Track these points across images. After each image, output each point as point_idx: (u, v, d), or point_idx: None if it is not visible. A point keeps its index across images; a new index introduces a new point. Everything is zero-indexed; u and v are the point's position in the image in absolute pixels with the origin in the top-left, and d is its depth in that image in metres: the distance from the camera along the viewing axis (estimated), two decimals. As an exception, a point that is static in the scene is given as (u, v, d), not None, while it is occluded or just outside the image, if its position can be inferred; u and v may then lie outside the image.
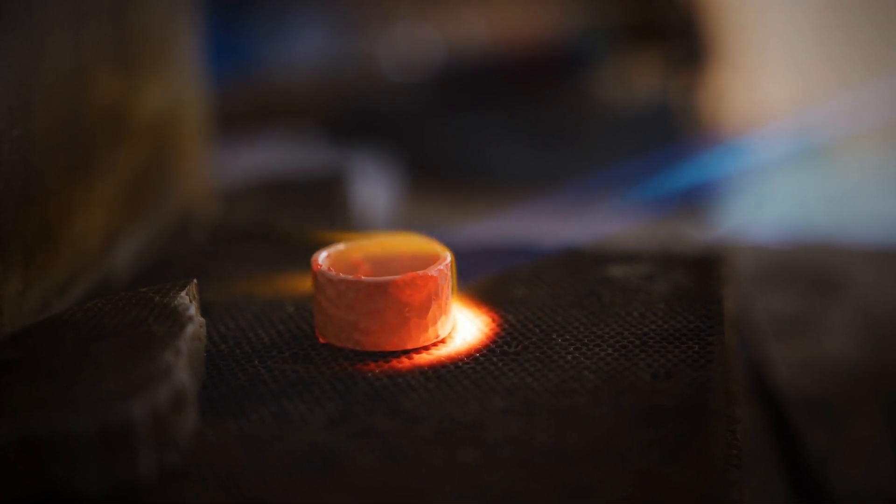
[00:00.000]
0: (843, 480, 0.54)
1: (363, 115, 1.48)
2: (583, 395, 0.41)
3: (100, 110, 0.56)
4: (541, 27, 1.56)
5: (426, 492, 0.36)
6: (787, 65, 1.66)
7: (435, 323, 0.45)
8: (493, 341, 0.46)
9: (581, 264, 0.54)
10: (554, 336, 0.46)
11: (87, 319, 0.43)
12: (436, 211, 1.04)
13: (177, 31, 0.67)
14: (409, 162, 1.18)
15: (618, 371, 0.43)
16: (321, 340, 0.46)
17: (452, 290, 0.47)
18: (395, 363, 0.44)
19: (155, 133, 0.63)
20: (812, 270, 0.77)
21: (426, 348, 0.45)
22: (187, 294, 0.45)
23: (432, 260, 0.47)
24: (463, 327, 0.47)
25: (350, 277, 0.45)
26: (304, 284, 0.48)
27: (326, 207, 0.71)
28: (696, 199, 1.17)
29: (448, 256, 0.46)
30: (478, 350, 0.45)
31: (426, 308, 0.45)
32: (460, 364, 0.44)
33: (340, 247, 0.48)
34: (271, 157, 1.14)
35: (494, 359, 0.44)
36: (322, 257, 0.47)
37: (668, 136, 1.40)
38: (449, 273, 0.46)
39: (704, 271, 0.52)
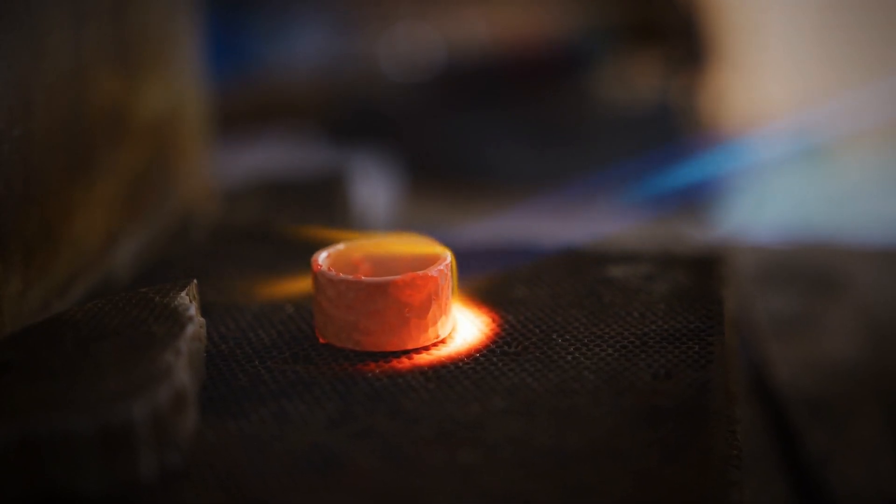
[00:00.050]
0: (843, 480, 0.54)
1: (363, 115, 1.48)
2: (583, 395, 0.41)
3: (100, 110, 0.56)
4: (541, 27, 1.56)
5: (426, 492, 0.36)
6: (787, 65, 1.66)
7: (435, 323, 0.45)
8: (494, 341, 0.46)
9: (581, 264, 0.54)
10: (554, 336, 0.46)
11: (87, 320, 0.43)
12: (436, 211, 1.04)
13: (177, 31, 0.67)
14: (409, 162, 1.18)
15: (618, 371, 0.43)
16: (321, 341, 0.46)
17: (453, 290, 0.47)
18: (395, 363, 0.44)
19: (155, 133, 0.63)
20: (812, 270, 0.77)
21: (426, 348, 0.45)
22: (187, 294, 0.45)
23: (432, 260, 0.47)
24: (463, 327, 0.47)
25: (350, 278, 0.45)
26: (304, 285, 0.48)
27: (326, 207, 0.71)
28: (696, 199, 1.17)
29: (448, 256, 0.46)
30: (478, 350, 0.45)
31: (426, 308, 0.45)
32: (460, 364, 0.44)
33: (340, 247, 0.48)
34: (271, 157, 1.14)
35: (495, 359, 0.44)
36: (322, 257, 0.47)
37: (668, 136, 1.40)
38: (449, 273, 0.46)
39: (704, 271, 0.52)
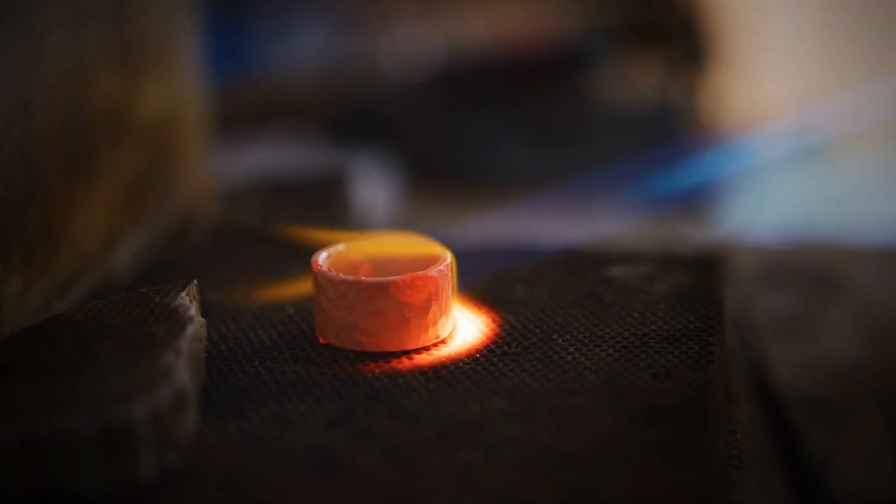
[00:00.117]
0: (843, 480, 0.54)
1: (363, 115, 1.48)
2: (583, 395, 0.41)
3: (100, 110, 0.56)
4: (541, 27, 1.56)
5: (427, 492, 0.36)
6: (787, 65, 1.66)
7: (435, 323, 0.45)
8: (494, 342, 0.46)
9: (581, 264, 0.54)
10: (554, 336, 0.46)
11: (87, 320, 0.43)
12: (436, 211, 1.04)
13: (177, 31, 0.67)
14: (409, 162, 1.18)
15: (618, 371, 0.43)
16: (321, 341, 0.46)
17: (453, 290, 0.47)
18: (395, 364, 0.44)
19: (155, 133, 0.63)
20: (812, 270, 0.77)
21: (426, 349, 0.45)
22: (188, 295, 0.45)
23: (432, 260, 0.47)
24: (463, 328, 0.47)
25: (350, 278, 0.45)
26: (305, 285, 0.48)
27: (326, 207, 0.71)
28: (696, 199, 1.17)
29: (448, 257, 0.46)
30: (478, 350, 0.45)
31: (426, 308, 0.45)
32: (461, 364, 0.44)
33: (341, 247, 0.48)
34: (271, 157, 1.14)
35: (495, 359, 0.44)
36: (322, 258, 0.47)
37: (669, 136, 1.40)
38: (449, 273, 0.46)
39: (705, 271, 0.52)
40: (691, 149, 1.39)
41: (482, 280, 0.52)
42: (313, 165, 0.96)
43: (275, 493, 0.36)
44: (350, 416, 0.40)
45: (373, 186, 0.88)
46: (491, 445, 0.38)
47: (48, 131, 0.50)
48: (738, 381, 0.50)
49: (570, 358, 0.44)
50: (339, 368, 0.44)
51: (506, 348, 0.45)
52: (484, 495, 0.35)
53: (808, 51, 1.66)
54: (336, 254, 0.48)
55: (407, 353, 0.45)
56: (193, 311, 0.43)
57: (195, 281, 0.46)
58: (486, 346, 0.45)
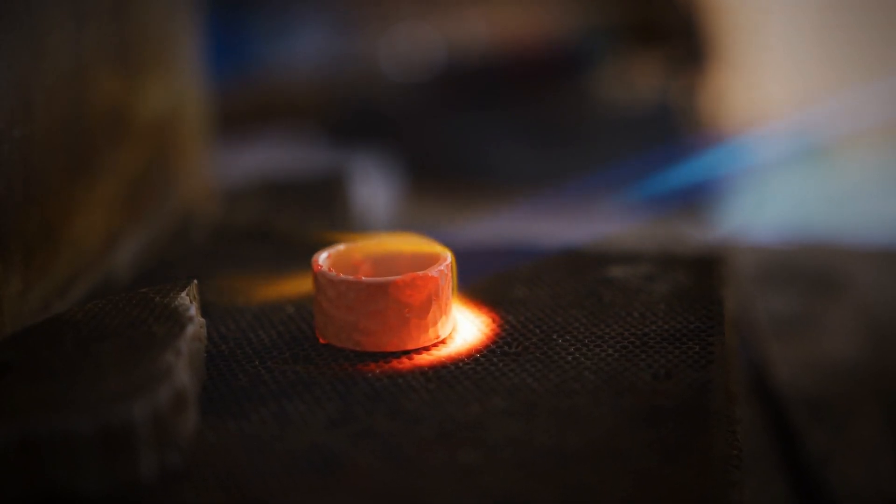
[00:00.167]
0: (843, 480, 0.54)
1: (363, 115, 1.48)
2: (583, 395, 0.41)
3: (100, 111, 0.56)
4: (541, 27, 1.56)
5: (427, 492, 0.36)
6: (787, 65, 1.66)
7: (435, 323, 0.45)
8: (494, 342, 0.46)
9: (581, 265, 0.54)
10: (554, 336, 0.46)
11: (87, 320, 0.43)
12: (436, 211, 1.04)
13: (177, 31, 0.67)
14: (409, 162, 1.18)
15: (618, 371, 0.43)
16: (321, 341, 0.46)
17: (453, 290, 0.47)
18: (395, 364, 0.44)
19: (155, 133, 0.63)
20: (812, 270, 0.77)
21: (426, 349, 0.45)
22: (188, 295, 0.45)
23: (432, 260, 0.47)
24: (463, 328, 0.47)
25: (350, 278, 0.45)
26: (305, 285, 0.48)
27: (326, 207, 0.71)
28: (696, 199, 1.17)
29: (448, 257, 0.47)
30: (478, 350, 0.45)
31: (426, 308, 0.45)
32: (461, 364, 0.44)
33: (341, 247, 0.48)
34: (271, 157, 1.14)
35: (495, 359, 0.44)
36: (322, 258, 0.47)
37: (669, 136, 1.40)
38: (449, 273, 0.46)
39: (705, 272, 0.52)
40: (691, 149, 1.39)
41: (482, 280, 0.52)
42: (313, 165, 0.96)
43: (275, 493, 0.36)
44: (350, 416, 0.40)
45: (373, 186, 0.89)
46: (491, 445, 0.38)
47: (48, 131, 0.50)
48: (738, 381, 0.50)
49: (570, 358, 0.44)
50: (339, 368, 0.44)
51: (506, 348, 0.45)
52: (484, 495, 0.35)
53: (808, 51, 1.66)
54: (336, 254, 0.48)
55: (407, 353, 0.45)
56: (193, 311, 0.43)
57: (195, 281, 0.46)
58: (486, 346, 0.45)
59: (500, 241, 0.60)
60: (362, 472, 0.37)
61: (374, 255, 0.49)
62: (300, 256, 0.49)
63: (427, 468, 0.37)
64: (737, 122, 1.57)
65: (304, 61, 1.57)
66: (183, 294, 0.44)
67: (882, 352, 0.67)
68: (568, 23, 1.55)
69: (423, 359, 0.45)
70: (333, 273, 0.45)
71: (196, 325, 0.43)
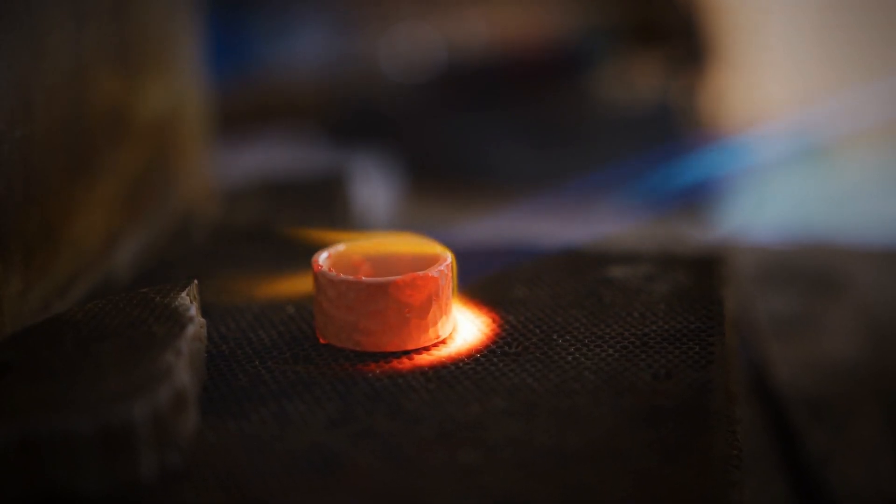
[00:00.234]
0: (843, 480, 0.54)
1: (363, 115, 1.48)
2: (583, 395, 0.41)
3: (100, 111, 0.56)
4: (541, 27, 1.56)
5: (427, 492, 0.36)
6: (787, 65, 1.66)
7: (435, 323, 0.45)
8: (494, 342, 0.46)
9: (581, 265, 0.54)
10: (554, 336, 0.46)
11: (87, 320, 0.43)
12: (436, 211, 1.04)
13: (177, 31, 0.67)
14: (409, 162, 1.18)
15: (618, 371, 0.43)
16: (322, 341, 0.46)
17: (453, 290, 0.47)
18: (395, 364, 0.44)
19: (155, 133, 0.63)
20: (812, 270, 0.77)
21: (427, 349, 0.45)
22: (188, 295, 0.45)
23: (433, 260, 0.47)
24: (463, 328, 0.47)
25: (350, 278, 0.45)
26: (305, 285, 0.48)
27: (326, 207, 0.71)
28: (696, 199, 1.17)
29: (448, 257, 0.47)
30: (478, 350, 0.45)
31: (427, 309, 0.45)
32: (461, 365, 0.44)
33: (341, 247, 0.48)
34: (271, 157, 1.14)
35: (495, 359, 0.44)
36: (322, 258, 0.47)
37: (669, 136, 1.40)
38: (449, 273, 0.46)
39: (705, 272, 0.52)
40: (691, 149, 1.39)
41: (482, 280, 0.52)
42: (313, 165, 0.96)
43: (275, 493, 0.36)
44: (350, 416, 0.40)
45: (373, 186, 0.89)
46: (491, 445, 0.38)
47: (48, 131, 0.50)
48: (738, 381, 0.50)
49: (570, 358, 0.44)
50: (339, 368, 0.44)
51: (506, 348, 0.45)
52: (484, 495, 0.35)
53: (808, 51, 1.66)
54: (336, 254, 0.48)
55: (407, 353, 0.45)
56: (194, 311, 0.43)
57: (195, 281, 0.46)
58: (487, 346, 0.45)
59: (500, 241, 0.60)
60: (362, 472, 0.37)
61: (374, 256, 0.49)
62: (300, 256, 0.49)
63: (427, 468, 0.37)
64: (737, 122, 1.57)
65: (304, 61, 1.57)
66: (183, 294, 0.44)
67: (882, 352, 0.67)
68: (568, 23, 1.55)
69: (423, 359, 0.45)
70: (333, 273, 0.45)
71: (196, 325, 0.43)
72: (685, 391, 0.41)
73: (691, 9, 1.55)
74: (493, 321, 0.48)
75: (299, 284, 0.50)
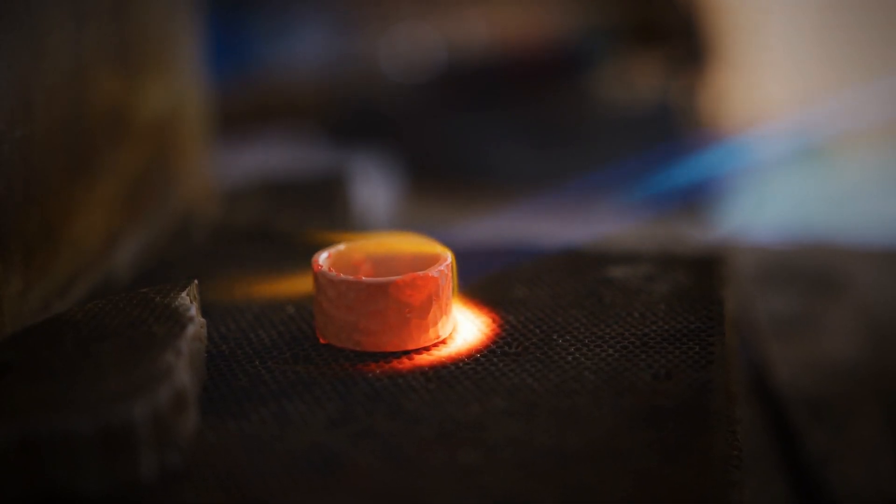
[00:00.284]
0: (843, 480, 0.54)
1: (363, 115, 1.48)
2: (583, 395, 0.41)
3: (100, 111, 0.56)
4: (541, 27, 1.56)
5: (427, 492, 0.36)
6: (787, 65, 1.66)
7: (435, 323, 0.45)
8: (494, 342, 0.46)
9: (582, 265, 0.54)
10: (554, 336, 0.46)
11: (87, 320, 0.43)
12: (436, 211, 1.04)
13: (177, 31, 0.67)
14: (409, 162, 1.18)
15: (618, 371, 0.43)
16: (322, 341, 0.46)
17: (453, 290, 0.47)
18: (395, 364, 0.44)
19: (155, 133, 0.63)
20: (812, 271, 0.77)
21: (427, 349, 0.45)
22: (188, 295, 0.45)
23: (433, 260, 0.47)
24: (463, 328, 0.47)
25: (350, 278, 0.45)
26: (305, 285, 0.48)
27: (326, 207, 0.71)
28: (695, 199, 1.17)
29: (449, 257, 0.47)
30: (478, 351, 0.45)
31: (427, 309, 0.45)
32: (461, 365, 0.44)
33: (341, 247, 0.48)
34: (271, 157, 1.14)
35: (495, 359, 0.44)
36: (322, 258, 0.47)
37: (669, 136, 1.40)
38: (449, 273, 0.46)
39: (705, 272, 0.52)
40: (691, 148, 1.39)
41: (482, 280, 0.52)
42: (313, 165, 0.96)
43: (275, 493, 0.36)
44: (350, 416, 0.40)
45: (373, 186, 0.89)
46: (491, 445, 0.38)
47: (48, 131, 0.50)
48: (738, 381, 0.50)
49: (570, 358, 0.44)
50: (339, 368, 0.44)
51: (506, 348, 0.45)
52: (484, 495, 0.35)
53: (808, 51, 1.66)
54: (336, 254, 0.48)
55: (407, 353, 0.45)
56: (194, 311, 0.43)
57: (195, 281, 0.46)
58: (487, 347, 0.45)
59: (500, 241, 0.60)
60: (362, 472, 0.37)
61: (375, 255, 0.49)
62: (300, 256, 0.49)
63: (427, 468, 0.37)
64: (737, 122, 1.57)
65: (304, 61, 1.57)
66: (183, 294, 0.44)
67: (882, 352, 0.67)
68: (568, 23, 1.55)
69: (424, 359, 0.45)
70: (333, 273, 0.45)
71: (196, 325, 0.43)
72: (685, 391, 0.41)
73: (691, 9, 1.55)
74: (493, 321, 0.48)
75: (299, 284, 0.50)
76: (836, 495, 0.54)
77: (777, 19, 1.66)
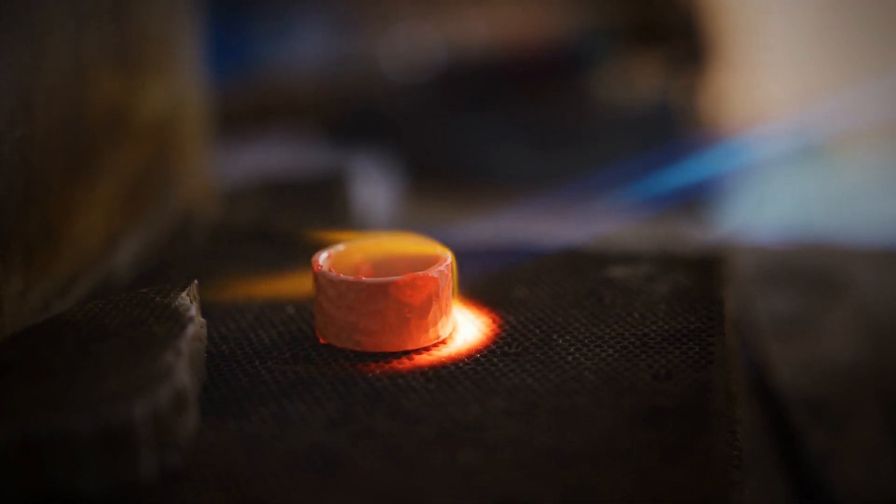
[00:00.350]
0: (843, 480, 0.54)
1: (363, 115, 1.48)
2: (583, 395, 0.41)
3: (100, 111, 0.56)
4: (541, 28, 1.56)
5: (427, 492, 0.36)
6: (787, 65, 1.66)
7: (435, 324, 0.45)
8: (494, 342, 0.46)
9: (582, 265, 0.54)
10: (554, 337, 0.46)
11: (87, 320, 0.43)
12: (436, 211, 1.04)
13: (177, 31, 0.67)
14: (409, 162, 1.18)
15: (618, 372, 0.43)
16: (322, 341, 0.46)
17: (453, 290, 0.47)
18: (395, 364, 0.44)
19: (155, 133, 0.63)
20: (812, 271, 0.77)
21: (427, 349, 0.45)
22: (188, 295, 0.45)
23: (433, 260, 0.47)
24: (463, 328, 0.47)
25: (350, 278, 0.45)
26: (305, 285, 0.48)
27: (326, 207, 0.71)
28: (696, 199, 1.17)
29: (448, 257, 0.46)
30: (478, 351, 0.45)
31: (427, 309, 0.45)
32: (461, 365, 0.44)
33: (341, 247, 0.48)
34: (271, 157, 1.14)
35: (495, 359, 0.44)
36: (322, 258, 0.47)
37: (669, 136, 1.40)
38: (449, 274, 0.46)
39: (705, 272, 0.52)
40: (691, 148, 1.39)
41: (482, 280, 0.52)
42: (313, 165, 0.96)
43: (275, 493, 0.36)
44: (350, 416, 0.40)
45: (373, 186, 0.88)
46: (491, 445, 0.38)
47: (48, 131, 0.50)
48: (738, 381, 0.50)
49: (570, 358, 0.44)
50: (339, 368, 0.44)
51: (506, 348, 0.45)
52: (484, 495, 0.35)
53: (808, 51, 1.66)
54: (336, 254, 0.48)
55: (407, 353, 0.45)
56: (194, 311, 0.43)
57: (195, 281, 0.46)
58: (487, 347, 0.45)
59: (500, 241, 0.60)
60: (362, 472, 0.37)
61: (375, 256, 0.49)
62: (300, 256, 0.49)
63: (427, 468, 0.37)
64: (737, 122, 1.57)
65: (304, 61, 1.57)
66: (183, 294, 0.44)
67: (882, 352, 0.67)
68: (568, 23, 1.55)
69: (423, 359, 0.45)
70: (333, 273, 0.45)
71: (196, 325, 0.43)
72: (685, 391, 0.41)
73: (691, 9, 1.55)
74: (493, 321, 0.48)
75: (299, 284, 0.50)
76: (836, 495, 0.54)
77: (777, 19, 1.66)
